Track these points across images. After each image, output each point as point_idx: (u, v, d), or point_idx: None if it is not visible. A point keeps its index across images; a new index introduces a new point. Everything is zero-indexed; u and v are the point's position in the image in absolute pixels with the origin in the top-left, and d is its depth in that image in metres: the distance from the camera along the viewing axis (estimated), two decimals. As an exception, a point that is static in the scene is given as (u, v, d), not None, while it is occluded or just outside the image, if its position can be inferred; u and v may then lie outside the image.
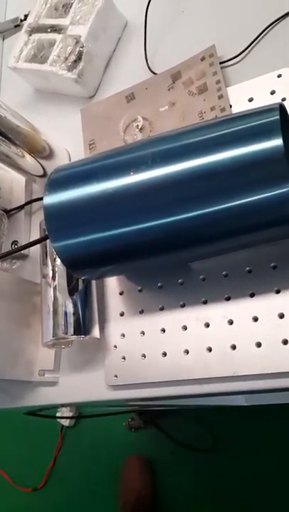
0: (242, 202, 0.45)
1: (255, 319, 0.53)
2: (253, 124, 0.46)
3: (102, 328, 0.63)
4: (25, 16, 0.90)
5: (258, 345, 0.52)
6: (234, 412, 1.32)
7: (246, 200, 0.44)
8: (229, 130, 0.46)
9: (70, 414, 1.41)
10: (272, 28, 0.64)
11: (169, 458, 1.40)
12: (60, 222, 0.52)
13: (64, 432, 1.59)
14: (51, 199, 0.52)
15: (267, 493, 1.24)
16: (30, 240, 0.75)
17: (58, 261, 0.62)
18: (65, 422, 1.56)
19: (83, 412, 1.42)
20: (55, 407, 0.96)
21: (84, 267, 0.55)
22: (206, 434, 1.35)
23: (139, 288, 0.62)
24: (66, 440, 1.59)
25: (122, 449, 1.47)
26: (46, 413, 0.78)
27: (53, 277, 0.62)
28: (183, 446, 1.37)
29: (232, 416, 1.33)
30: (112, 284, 0.64)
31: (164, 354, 0.58)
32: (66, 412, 1.41)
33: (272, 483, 1.24)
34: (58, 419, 1.53)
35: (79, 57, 0.73)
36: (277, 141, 0.43)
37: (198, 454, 1.34)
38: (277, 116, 0.44)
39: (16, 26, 0.92)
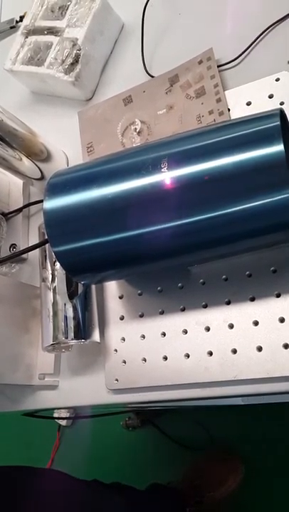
0: (243, 207, 0.45)
1: (256, 323, 0.53)
2: (253, 130, 0.46)
3: (102, 332, 0.63)
4: (21, 18, 0.90)
5: (259, 349, 0.52)
6: (231, 411, 1.32)
7: (247, 205, 0.45)
8: (230, 136, 0.47)
9: (67, 414, 1.41)
10: (270, 31, 0.64)
11: (166, 457, 1.41)
12: (61, 227, 0.52)
13: (61, 431, 1.58)
14: (51, 204, 0.52)
15: (264, 491, 1.25)
16: (29, 243, 0.75)
17: (58, 265, 0.62)
18: (63, 422, 1.56)
19: (80, 412, 1.42)
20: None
21: (84, 272, 0.55)
22: (203, 432, 1.35)
23: (138, 292, 0.62)
24: (64, 440, 1.58)
25: (120, 448, 1.48)
26: (43, 414, 0.78)
27: (53, 281, 0.62)
28: (180, 444, 1.37)
29: (229, 415, 1.33)
30: (112, 287, 0.64)
31: (165, 358, 0.58)
32: (63, 412, 1.41)
33: (269, 481, 1.25)
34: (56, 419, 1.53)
35: (76, 60, 0.73)
36: (278, 147, 0.43)
37: (196, 452, 1.35)
38: (278, 122, 0.44)
39: (11, 28, 0.92)
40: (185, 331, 0.57)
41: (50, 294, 0.62)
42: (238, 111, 0.62)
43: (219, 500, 1.22)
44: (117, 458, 1.47)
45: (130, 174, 0.49)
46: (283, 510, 1.20)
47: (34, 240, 0.74)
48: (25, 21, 0.81)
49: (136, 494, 1.07)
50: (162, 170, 0.47)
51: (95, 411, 1.12)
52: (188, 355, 0.56)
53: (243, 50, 0.64)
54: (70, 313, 0.60)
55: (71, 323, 0.60)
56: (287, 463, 1.24)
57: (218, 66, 0.65)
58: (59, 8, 0.78)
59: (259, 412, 1.29)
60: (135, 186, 0.49)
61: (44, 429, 1.60)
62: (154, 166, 0.48)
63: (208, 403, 0.87)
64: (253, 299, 0.54)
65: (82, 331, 0.60)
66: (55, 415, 1.41)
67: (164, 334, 0.59)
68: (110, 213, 0.50)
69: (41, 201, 0.75)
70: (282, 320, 0.52)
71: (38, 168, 0.72)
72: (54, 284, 0.62)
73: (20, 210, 0.76)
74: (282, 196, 0.43)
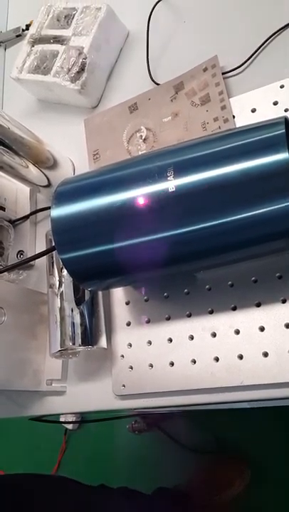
0: (249, 214, 0.45)
1: (262, 329, 0.53)
2: (258, 138, 0.46)
3: (109, 338, 0.63)
4: (27, 26, 0.91)
5: (265, 354, 0.52)
6: (236, 414, 1.32)
7: (254, 212, 0.45)
8: (235, 144, 0.47)
9: (74, 418, 1.42)
10: (275, 38, 0.64)
11: (172, 460, 1.41)
12: (68, 234, 0.53)
13: (68, 435, 1.59)
14: (58, 211, 0.53)
15: (270, 494, 1.25)
16: (36, 250, 0.76)
17: (65, 271, 0.62)
18: (69, 425, 1.56)
19: (87, 416, 1.42)
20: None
21: (91, 279, 0.56)
22: (208, 436, 1.35)
23: (145, 298, 0.63)
24: (70, 443, 1.59)
25: (126, 452, 1.48)
26: (50, 418, 0.79)
27: (60, 287, 0.63)
28: (186, 448, 1.37)
29: (234, 418, 1.33)
30: (118, 293, 0.65)
31: (172, 364, 0.58)
32: (70, 416, 1.41)
33: (275, 484, 1.25)
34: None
35: (82, 68, 0.74)
36: (283, 155, 0.44)
37: (202, 455, 1.35)
38: (283, 130, 0.45)
39: (17, 36, 0.93)
40: (191, 337, 0.58)
41: (58, 301, 0.62)
42: (242, 118, 0.62)
43: (226, 503, 1.23)
44: (123, 461, 1.47)
45: (136, 182, 0.50)
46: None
47: (41, 246, 0.75)
48: (32, 30, 0.82)
49: (142, 498, 1.08)
50: (168, 178, 0.48)
51: (102, 415, 1.13)
52: (194, 361, 0.57)
53: (247, 58, 0.65)
54: (78, 319, 0.61)
55: (78, 330, 0.60)
56: (293, 466, 1.24)
57: (223, 73, 0.65)
58: (65, 17, 0.79)
59: (265, 415, 1.29)
60: (141, 194, 0.49)
61: (50, 433, 1.60)
62: (160, 175, 0.49)
63: (214, 407, 0.87)
64: (258, 305, 0.54)
65: (89, 337, 0.61)
66: (62, 419, 1.41)
67: (170, 340, 0.59)
68: (117, 221, 0.50)
69: (48, 208, 0.75)
70: (288, 325, 0.52)
71: (45, 175, 0.73)
72: (61, 290, 0.62)
73: (27, 217, 0.77)
74: (288, 203, 0.44)
